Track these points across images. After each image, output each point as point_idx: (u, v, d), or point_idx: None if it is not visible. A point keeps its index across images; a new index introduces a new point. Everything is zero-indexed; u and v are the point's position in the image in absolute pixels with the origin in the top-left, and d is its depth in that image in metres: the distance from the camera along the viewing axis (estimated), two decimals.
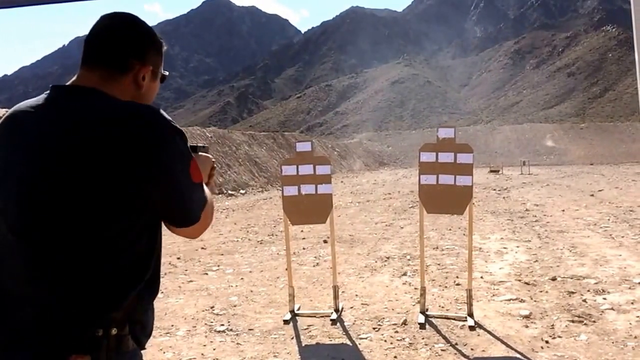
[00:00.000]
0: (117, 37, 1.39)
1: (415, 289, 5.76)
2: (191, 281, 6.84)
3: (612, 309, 4.97)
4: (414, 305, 5.34)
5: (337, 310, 5.14)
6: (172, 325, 5.01)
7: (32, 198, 1.28)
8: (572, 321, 4.67)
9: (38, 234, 1.27)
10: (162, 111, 1.35)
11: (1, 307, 1.28)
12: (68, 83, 1.42)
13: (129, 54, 1.39)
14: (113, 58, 1.38)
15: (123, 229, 1.30)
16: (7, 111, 1.41)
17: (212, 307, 5.59)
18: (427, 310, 5.04)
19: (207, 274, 7.27)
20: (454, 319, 4.86)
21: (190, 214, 1.42)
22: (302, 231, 10.20)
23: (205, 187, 1.49)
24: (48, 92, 1.37)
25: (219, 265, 7.78)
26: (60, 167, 1.26)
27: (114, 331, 1.27)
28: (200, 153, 1.58)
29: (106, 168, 1.25)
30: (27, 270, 1.27)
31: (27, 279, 1.27)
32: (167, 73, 1.55)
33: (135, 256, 1.33)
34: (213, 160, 1.66)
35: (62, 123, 1.30)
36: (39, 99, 1.37)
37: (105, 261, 1.28)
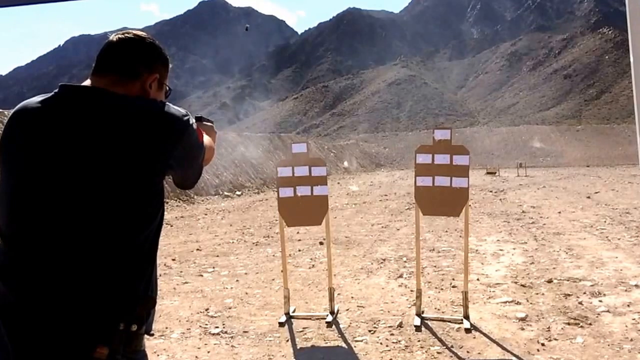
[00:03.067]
0: (128, 48, 1.50)
1: (411, 291, 5.74)
2: (186, 283, 6.80)
3: (608, 311, 4.96)
4: (409, 307, 5.32)
5: (332, 313, 5.12)
6: (167, 328, 4.98)
7: (69, 192, 1.32)
8: (568, 323, 4.66)
9: (68, 228, 1.31)
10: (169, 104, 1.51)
11: (34, 295, 1.31)
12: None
13: (138, 62, 1.49)
14: (123, 65, 1.48)
15: (147, 216, 1.39)
16: (13, 110, 1.46)
17: (206, 309, 5.56)
18: (423, 312, 5.02)
19: (202, 275, 7.24)
20: (449, 322, 4.84)
21: (193, 183, 1.63)
22: (298, 233, 10.18)
23: (205, 138, 1.67)
24: (56, 90, 1.43)
25: (214, 267, 7.75)
26: (87, 160, 1.33)
27: (134, 327, 1.33)
28: (204, 122, 1.91)
29: (132, 158, 1.34)
30: (62, 260, 1.30)
31: (61, 269, 1.30)
32: (171, 88, 1.68)
33: (151, 249, 1.44)
34: (214, 128, 1.98)
35: (80, 119, 1.36)
36: (48, 96, 1.43)
37: (132, 252, 1.36)
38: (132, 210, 1.34)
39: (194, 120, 1.50)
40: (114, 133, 1.34)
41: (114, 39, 1.50)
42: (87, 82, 1.48)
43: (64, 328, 1.27)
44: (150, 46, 1.53)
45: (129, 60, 1.48)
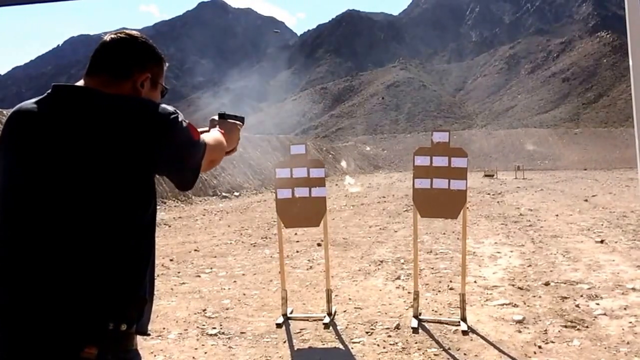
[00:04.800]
0: (119, 48, 1.50)
1: (409, 293, 5.75)
2: (184, 283, 6.80)
3: (605, 314, 4.97)
4: (407, 309, 5.32)
5: (330, 314, 5.12)
6: (164, 328, 4.98)
7: (56, 192, 1.32)
8: (565, 326, 4.67)
9: (58, 227, 1.31)
10: (155, 101, 1.49)
11: (24, 294, 1.31)
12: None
13: (129, 61, 1.49)
14: (114, 65, 1.48)
15: (136, 216, 1.38)
16: (9, 110, 1.45)
17: (204, 310, 5.56)
18: (420, 314, 5.02)
19: (199, 276, 7.24)
20: (447, 324, 4.85)
21: (189, 183, 1.53)
22: (295, 234, 10.18)
23: (209, 136, 1.63)
24: (50, 91, 1.44)
25: (211, 268, 7.75)
26: (74, 160, 1.33)
27: (123, 327, 1.32)
28: (228, 120, 1.83)
29: (118, 158, 1.33)
30: (49, 260, 1.31)
31: (50, 268, 1.30)
32: (168, 87, 1.65)
33: (142, 249, 1.42)
34: (239, 125, 1.87)
35: (69, 120, 1.37)
36: (42, 97, 1.44)
37: (121, 252, 1.35)
38: (119, 210, 1.34)
39: (183, 118, 1.46)
40: (100, 133, 1.34)
41: (107, 39, 1.51)
42: (81, 82, 1.49)
43: (53, 328, 1.27)
44: (141, 45, 1.52)
45: (120, 59, 1.48)
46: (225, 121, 1.83)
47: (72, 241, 1.30)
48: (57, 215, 1.31)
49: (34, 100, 1.44)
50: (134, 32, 1.53)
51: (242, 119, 1.90)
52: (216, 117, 1.84)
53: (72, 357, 1.26)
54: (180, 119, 1.43)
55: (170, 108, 1.44)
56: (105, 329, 1.29)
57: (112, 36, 1.51)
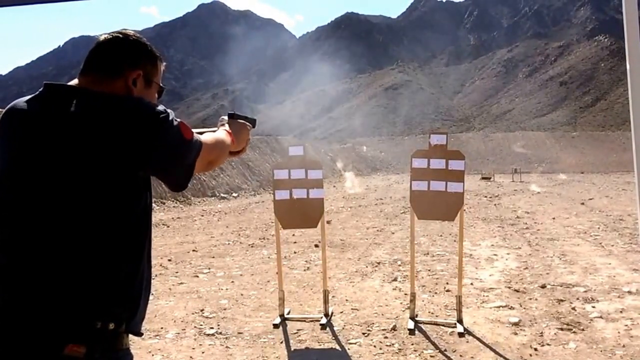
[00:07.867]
0: (111, 47, 1.49)
1: (406, 294, 5.77)
2: (182, 283, 6.81)
3: (601, 317, 4.99)
4: (403, 310, 5.34)
5: (327, 315, 5.14)
6: (162, 328, 4.99)
7: (42, 189, 1.32)
8: (561, 329, 4.69)
9: (45, 225, 1.31)
10: (145, 99, 1.46)
11: (8, 289, 1.31)
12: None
13: (120, 60, 1.48)
14: (105, 63, 1.47)
15: (123, 214, 1.37)
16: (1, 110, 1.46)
17: (202, 310, 5.57)
18: (416, 316, 5.04)
19: (197, 276, 7.25)
20: (443, 325, 4.87)
21: (180, 183, 1.49)
22: (293, 235, 10.19)
23: (209, 136, 1.60)
24: (41, 89, 1.45)
25: (209, 268, 7.76)
26: (64, 158, 1.32)
27: (111, 326, 1.32)
28: (239, 120, 1.81)
29: (108, 155, 1.32)
30: (33, 256, 1.31)
31: (31, 265, 1.30)
32: (165, 87, 1.64)
33: (132, 248, 1.40)
34: (249, 126, 1.85)
35: (56, 119, 1.36)
36: (34, 96, 1.45)
37: (109, 251, 1.34)
38: (105, 208, 1.33)
39: (174, 117, 1.43)
40: (88, 131, 1.32)
41: (101, 39, 1.51)
42: (75, 81, 1.48)
43: (35, 324, 1.26)
44: (133, 43, 1.51)
45: (111, 58, 1.47)
46: (234, 121, 1.80)
47: (59, 239, 1.30)
48: (43, 212, 1.31)
49: (26, 98, 1.44)
50: (128, 32, 1.53)
51: (253, 121, 1.88)
52: (225, 117, 1.83)
53: (53, 354, 1.25)
54: (170, 118, 1.40)
55: (160, 107, 1.41)
56: (92, 328, 1.28)
57: (106, 35, 1.51)
